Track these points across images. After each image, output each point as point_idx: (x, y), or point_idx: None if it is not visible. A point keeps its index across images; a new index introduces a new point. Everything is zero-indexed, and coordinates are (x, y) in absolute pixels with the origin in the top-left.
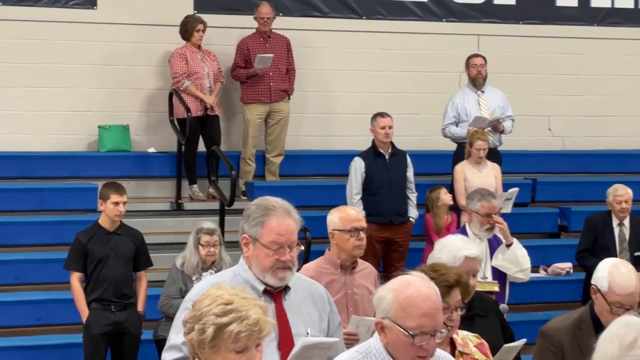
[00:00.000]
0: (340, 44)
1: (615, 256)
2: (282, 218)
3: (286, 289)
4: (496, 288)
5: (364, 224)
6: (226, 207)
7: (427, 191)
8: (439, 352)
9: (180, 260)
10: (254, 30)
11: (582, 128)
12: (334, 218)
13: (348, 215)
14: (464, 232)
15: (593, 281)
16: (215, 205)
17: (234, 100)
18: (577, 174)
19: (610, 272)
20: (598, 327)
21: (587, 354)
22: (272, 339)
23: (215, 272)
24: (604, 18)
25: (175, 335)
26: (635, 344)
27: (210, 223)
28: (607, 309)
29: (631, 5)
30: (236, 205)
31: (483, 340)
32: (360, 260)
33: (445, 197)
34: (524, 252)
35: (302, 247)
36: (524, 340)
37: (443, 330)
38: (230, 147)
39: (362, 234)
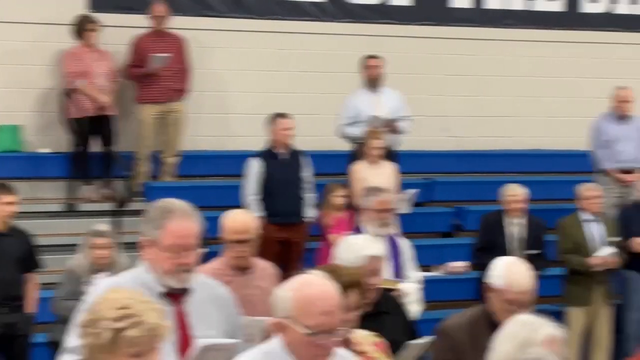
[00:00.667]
0: (236, 44)
1: (510, 255)
2: (182, 220)
3: (187, 291)
4: (399, 286)
5: (244, 237)
6: (121, 208)
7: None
8: (339, 350)
9: (73, 262)
10: (149, 30)
11: (477, 128)
12: (222, 224)
13: (228, 227)
14: (362, 231)
15: (488, 279)
16: (111, 206)
17: (128, 100)
18: (472, 174)
19: (505, 270)
20: (494, 325)
21: (484, 351)
22: (171, 342)
23: (110, 275)
24: (497, 19)
25: (72, 339)
26: (530, 342)
27: (102, 225)
28: (502, 306)
29: (524, 7)
30: (132, 206)
31: (382, 339)
32: (258, 261)
33: (333, 198)
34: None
35: (203, 249)
36: (429, 338)
37: (343, 328)
38: (126, 147)
39: (241, 246)
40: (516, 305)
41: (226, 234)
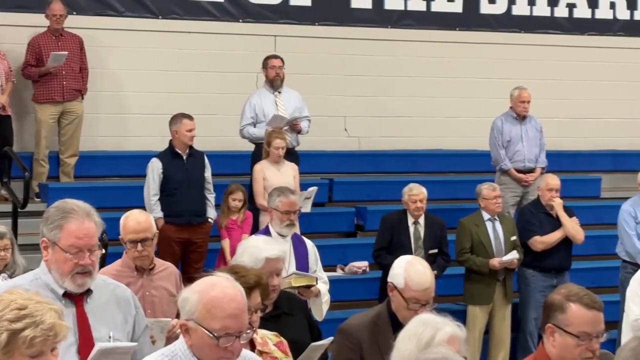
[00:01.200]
0: (135, 43)
1: (411, 254)
2: (81, 221)
3: (88, 292)
4: (314, 282)
5: (142, 236)
6: (19, 210)
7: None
8: (245, 352)
9: None
10: (46, 29)
11: (377, 128)
12: (121, 225)
13: (126, 227)
14: (267, 232)
15: (389, 278)
16: (8, 207)
17: (26, 100)
18: (372, 174)
19: (406, 269)
20: (395, 324)
21: (385, 351)
22: (72, 343)
23: (9, 276)
24: (397, 20)
25: None
26: (433, 341)
27: (0, 226)
28: (404, 305)
29: (423, 8)
30: (30, 207)
31: (282, 338)
32: (160, 261)
33: (231, 200)
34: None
35: (103, 250)
36: (330, 339)
37: (248, 331)
38: (23, 147)
39: (140, 246)
40: (417, 303)
41: (125, 234)
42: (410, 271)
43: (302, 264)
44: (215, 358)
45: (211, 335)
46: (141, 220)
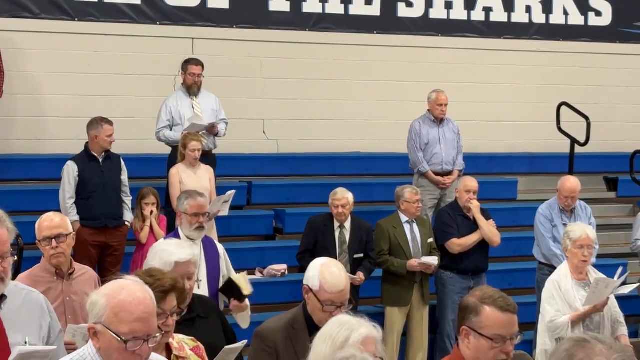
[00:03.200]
0: (52, 45)
1: (336, 257)
2: None
3: (2, 298)
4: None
5: (56, 232)
6: None
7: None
8: (154, 356)
9: None
10: None
11: (296, 131)
12: (36, 226)
13: (39, 226)
14: (176, 235)
15: (305, 281)
16: None
17: None
18: (291, 177)
19: (321, 271)
20: (311, 326)
21: (302, 353)
22: None
23: None
24: (315, 23)
25: None
26: (347, 342)
27: None
28: (319, 307)
29: (341, 11)
30: None
31: (199, 343)
32: (79, 265)
33: (144, 204)
34: None
35: (16, 257)
36: (244, 342)
37: (157, 335)
38: None
39: (55, 242)
40: (332, 305)
41: (39, 233)
42: (325, 273)
43: (213, 267)
44: None
45: (119, 339)
46: (54, 219)
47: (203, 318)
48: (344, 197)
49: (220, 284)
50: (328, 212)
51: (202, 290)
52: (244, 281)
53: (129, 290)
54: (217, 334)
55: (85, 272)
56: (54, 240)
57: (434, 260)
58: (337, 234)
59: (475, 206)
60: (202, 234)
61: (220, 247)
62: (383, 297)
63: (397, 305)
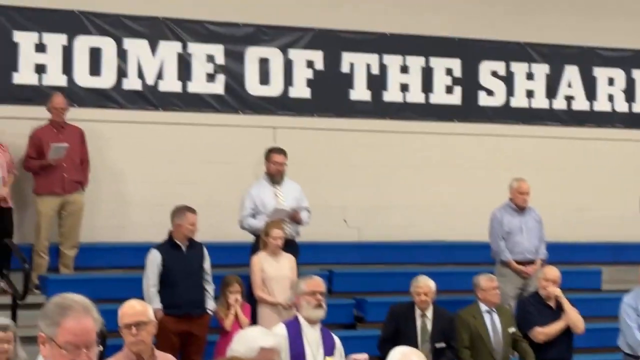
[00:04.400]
0: (136, 135)
1: (417, 347)
2: (79, 317)
3: None
4: None
5: (137, 319)
6: (19, 301)
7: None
8: None
9: None
10: (47, 121)
11: (377, 219)
12: (119, 314)
13: (121, 312)
14: (296, 321)
15: None
16: (8, 299)
17: (26, 192)
18: (372, 265)
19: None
20: None
21: None
22: None
23: None
24: (396, 111)
25: None
26: None
27: (4, 318)
28: None
29: (422, 100)
30: (29, 299)
31: None
32: (161, 353)
33: (228, 292)
34: None
35: (101, 347)
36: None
37: None
38: (23, 239)
39: (135, 330)
40: None
41: (121, 319)
42: None
43: (329, 354)
44: None
45: None
46: (135, 305)
47: None
48: (425, 284)
49: None
50: (410, 300)
51: None
52: None
53: None
54: None
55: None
56: (134, 327)
57: None
58: (418, 322)
59: (558, 292)
60: (321, 313)
61: (337, 338)
62: None
63: None
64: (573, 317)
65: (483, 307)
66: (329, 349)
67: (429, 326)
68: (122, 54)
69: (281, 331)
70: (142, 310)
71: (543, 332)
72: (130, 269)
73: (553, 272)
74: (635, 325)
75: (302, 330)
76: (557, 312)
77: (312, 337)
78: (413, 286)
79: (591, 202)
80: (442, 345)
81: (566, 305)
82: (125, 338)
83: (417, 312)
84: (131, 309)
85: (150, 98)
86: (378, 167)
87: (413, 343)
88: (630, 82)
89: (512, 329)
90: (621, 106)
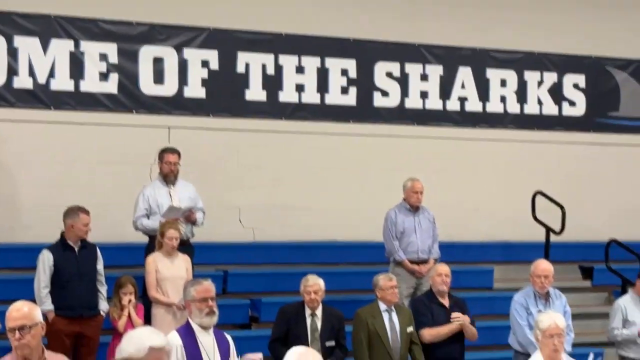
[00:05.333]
0: (27, 134)
1: (307, 346)
2: None
3: None
4: None
5: (20, 323)
6: None
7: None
8: None
9: None
10: None
11: (273, 219)
12: (5, 317)
13: (8, 314)
14: (188, 327)
15: None
16: None
17: None
18: (267, 265)
19: None
20: None
21: None
22: None
23: None
24: (291, 112)
25: None
26: None
27: None
28: None
29: (318, 100)
30: None
31: None
32: (52, 354)
33: (122, 295)
34: None
35: None
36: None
37: None
38: None
39: (19, 334)
40: None
41: (6, 322)
42: None
43: (225, 358)
44: None
45: None
46: (20, 308)
47: None
48: (315, 283)
49: None
50: (300, 300)
51: None
52: None
53: None
54: None
55: None
56: (17, 331)
57: None
58: (309, 321)
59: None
60: (214, 319)
61: (230, 339)
62: None
63: None
64: (469, 333)
65: (382, 306)
66: (224, 353)
67: (319, 325)
68: (12, 52)
69: (176, 340)
70: (26, 313)
71: (431, 334)
72: (22, 270)
73: (442, 267)
74: (526, 324)
75: (197, 337)
76: (449, 310)
77: (206, 342)
78: (303, 285)
79: (483, 202)
80: (331, 343)
81: (466, 328)
82: (13, 341)
83: (307, 312)
84: (16, 312)
85: (41, 97)
86: (274, 167)
87: (304, 342)
88: (522, 84)
89: (410, 329)
90: (513, 107)
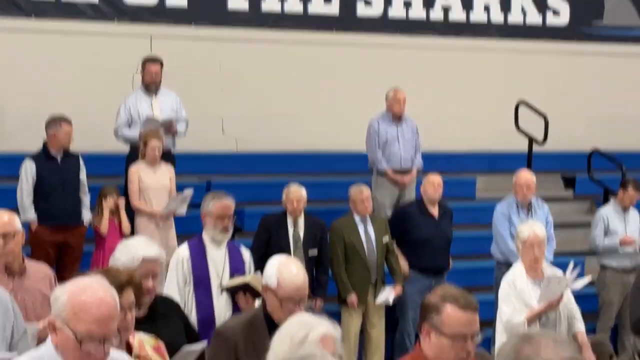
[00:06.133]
0: (7, 43)
1: (290, 255)
2: None
3: None
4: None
5: (4, 230)
6: None
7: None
8: (114, 353)
9: None
10: None
11: (255, 129)
12: None
13: None
14: (200, 240)
15: (263, 280)
16: None
17: None
18: (250, 175)
19: (279, 269)
20: (271, 325)
21: (261, 352)
22: None
23: None
24: (274, 21)
25: None
26: (305, 340)
27: None
28: (278, 305)
29: (300, 10)
30: None
31: (160, 342)
32: (33, 263)
33: (107, 201)
34: None
35: None
36: (204, 343)
37: (115, 338)
38: None
39: (2, 241)
40: (291, 301)
41: None
42: (283, 271)
43: (237, 273)
44: None
45: (75, 337)
46: (3, 217)
47: (164, 318)
48: (297, 191)
49: None
50: (282, 210)
51: (224, 296)
52: (257, 283)
53: (91, 291)
54: (178, 334)
55: (39, 270)
56: (1, 239)
57: (389, 296)
58: (291, 231)
59: None
60: (227, 236)
61: (246, 254)
62: (339, 296)
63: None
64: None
65: (357, 218)
66: (236, 268)
67: (302, 234)
68: None
69: (184, 252)
70: (7, 221)
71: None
72: (4, 179)
73: (436, 177)
74: (508, 233)
75: (206, 251)
76: (437, 220)
77: (217, 256)
78: (285, 194)
79: (466, 112)
80: (314, 252)
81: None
82: None
83: (290, 221)
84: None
85: (22, 5)
86: (256, 77)
87: (286, 251)
88: None
89: (386, 238)
90: (497, 16)
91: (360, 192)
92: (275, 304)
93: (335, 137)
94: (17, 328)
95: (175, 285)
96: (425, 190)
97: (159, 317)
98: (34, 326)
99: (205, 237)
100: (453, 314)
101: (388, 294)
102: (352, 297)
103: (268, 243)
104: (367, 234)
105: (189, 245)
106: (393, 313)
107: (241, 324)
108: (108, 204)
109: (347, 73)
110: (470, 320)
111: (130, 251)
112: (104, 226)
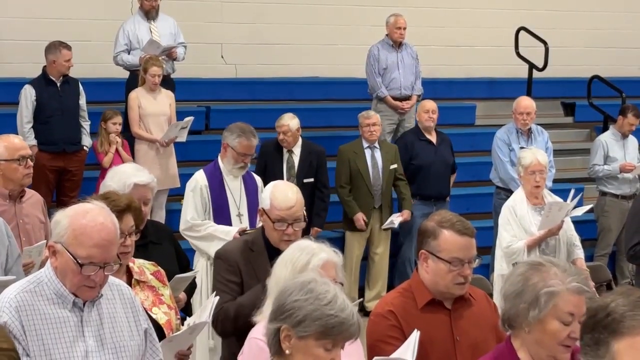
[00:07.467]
0: None
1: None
2: None
3: None
4: None
5: (29, 152)
6: None
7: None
8: (113, 279)
9: None
10: None
11: (255, 56)
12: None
13: (13, 144)
14: (215, 165)
15: (260, 204)
16: None
17: None
18: (250, 102)
19: (272, 191)
20: (270, 249)
21: (262, 275)
22: None
23: None
24: None
25: None
26: (307, 266)
27: None
28: (271, 226)
29: None
30: None
31: (159, 268)
32: (26, 189)
33: (109, 126)
34: None
35: None
36: (197, 271)
37: (115, 264)
38: None
39: (30, 162)
40: (283, 222)
41: (9, 153)
42: (275, 192)
43: (253, 200)
44: (76, 284)
45: (75, 261)
46: (20, 139)
47: (156, 244)
48: (284, 124)
49: None
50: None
51: (244, 224)
52: None
53: (92, 215)
54: (170, 260)
55: (32, 196)
56: (28, 160)
57: (396, 220)
58: (285, 158)
59: None
60: (243, 172)
61: (259, 180)
62: (343, 221)
63: (356, 231)
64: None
65: (365, 144)
66: (252, 195)
67: (296, 162)
68: None
69: (202, 180)
70: (22, 144)
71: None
72: (4, 105)
73: (430, 104)
74: (507, 160)
75: (224, 180)
76: (437, 147)
77: (234, 185)
78: (276, 125)
79: (467, 38)
80: (310, 180)
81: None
82: (13, 172)
83: (285, 149)
84: (20, 142)
85: None
86: (255, 3)
87: (279, 179)
88: None
89: (394, 166)
90: None
91: (366, 118)
92: (269, 226)
93: (334, 63)
94: (11, 253)
95: (194, 210)
96: (420, 117)
97: (151, 242)
98: (40, 245)
99: (222, 166)
100: (450, 239)
101: (394, 218)
102: (359, 216)
103: (264, 170)
104: (374, 159)
105: (206, 172)
106: (397, 239)
107: (240, 247)
108: (114, 127)
109: None
110: (467, 244)
111: (121, 177)
112: (108, 160)
